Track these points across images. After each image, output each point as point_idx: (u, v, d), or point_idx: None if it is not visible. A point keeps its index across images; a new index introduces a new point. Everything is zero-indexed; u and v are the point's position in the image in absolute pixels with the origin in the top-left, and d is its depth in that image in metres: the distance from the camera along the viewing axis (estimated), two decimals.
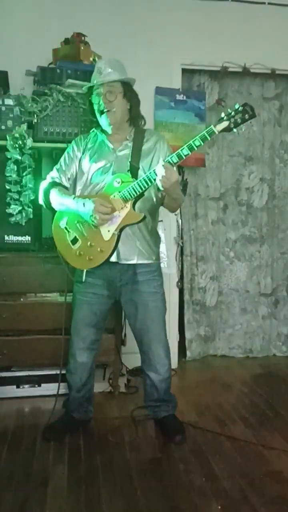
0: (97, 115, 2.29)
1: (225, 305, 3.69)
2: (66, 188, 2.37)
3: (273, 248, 3.71)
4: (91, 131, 2.42)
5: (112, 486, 2.03)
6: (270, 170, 3.65)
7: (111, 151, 2.31)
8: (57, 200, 2.31)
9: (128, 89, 2.28)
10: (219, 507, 1.89)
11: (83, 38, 2.87)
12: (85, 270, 2.31)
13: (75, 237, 2.27)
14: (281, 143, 3.65)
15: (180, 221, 3.43)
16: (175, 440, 2.37)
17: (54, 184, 2.37)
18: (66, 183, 2.38)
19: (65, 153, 2.41)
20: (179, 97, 3.28)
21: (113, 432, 2.47)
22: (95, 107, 2.28)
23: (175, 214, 3.38)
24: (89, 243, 2.23)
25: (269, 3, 3.38)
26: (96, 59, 2.89)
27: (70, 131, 2.77)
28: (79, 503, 1.93)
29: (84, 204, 2.18)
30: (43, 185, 2.40)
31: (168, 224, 3.28)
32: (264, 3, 3.38)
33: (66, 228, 2.29)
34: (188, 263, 3.58)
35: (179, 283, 3.47)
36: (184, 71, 3.36)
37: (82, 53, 2.82)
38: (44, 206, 2.41)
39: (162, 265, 3.08)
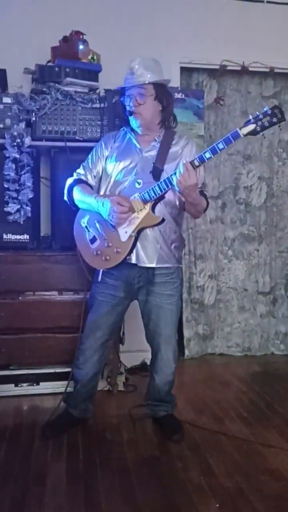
0: (127, 115, 2.26)
1: (224, 304, 3.70)
2: (91, 186, 2.35)
3: (271, 246, 3.71)
4: (121, 129, 2.40)
5: (110, 483, 2.03)
6: (269, 169, 3.65)
7: (137, 151, 2.28)
8: (80, 198, 2.30)
9: (160, 90, 2.23)
10: (217, 504, 1.90)
11: (81, 36, 2.87)
12: (101, 270, 2.30)
13: (94, 236, 2.28)
14: (279, 141, 3.65)
15: None
16: (173, 439, 2.38)
17: (79, 181, 2.35)
18: (91, 181, 2.36)
19: (93, 150, 2.39)
20: (178, 95, 3.27)
21: (111, 430, 2.47)
22: (126, 108, 2.25)
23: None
24: (106, 243, 2.23)
25: (267, 2, 3.39)
26: (95, 57, 2.89)
27: (69, 130, 2.77)
28: (78, 500, 1.93)
29: (103, 203, 2.18)
30: (69, 181, 2.38)
31: None
32: (263, 1, 3.39)
33: (86, 227, 2.30)
34: (186, 261, 3.58)
35: None
36: (182, 69, 3.36)
37: (80, 51, 2.81)
38: (67, 202, 2.39)
39: None
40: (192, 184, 2.05)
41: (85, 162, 2.40)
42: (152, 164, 2.23)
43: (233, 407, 2.76)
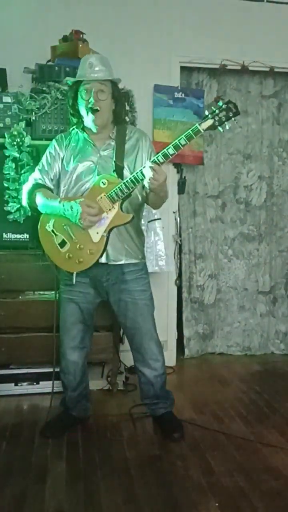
0: (83, 112, 2.24)
1: (224, 303, 3.70)
2: (50, 189, 2.34)
3: (271, 246, 3.71)
4: (71, 129, 2.38)
5: (110, 482, 2.04)
6: (269, 168, 3.65)
7: (94, 151, 2.28)
8: (43, 202, 2.27)
9: (116, 89, 2.26)
10: (217, 503, 1.90)
11: (81, 35, 2.87)
12: (75, 273, 2.28)
13: (63, 240, 2.24)
14: (279, 141, 3.65)
15: (178, 219, 3.43)
16: (173, 438, 2.38)
17: (37, 185, 2.33)
18: (49, 184, 2.34)
19: (47, 152, 2.37)
20: (178, 94, 3.27)
21: (111, 429, 2.47)
22: (82, 103, 2.23)
23: (174, 212, 3.38)
24: (78, 246, 2.21)
25: (267, 1, 3.39)
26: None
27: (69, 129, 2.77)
28: (78, 498, 1.93)
29: (71, 207, 2.16)
30: (27, 187, 2.37)
31: (166, 222, 3.28)
32: (263, 0, 3.38)
33: (53, 231, 2.26)
34: (186, 261, 3.58)
35: (178, 281, 3.48)
36: (182, 68, 3.36)
37: (80, 51, 2.81)
38: (28, 208, 2.40)
39: (160, 263, 3.12)
40: (162, 180, 2.08)
41: (40, 165, 2.38)
42: (113, 162, 2.24)
43: (233, 407, 2.76)
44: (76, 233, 2.22)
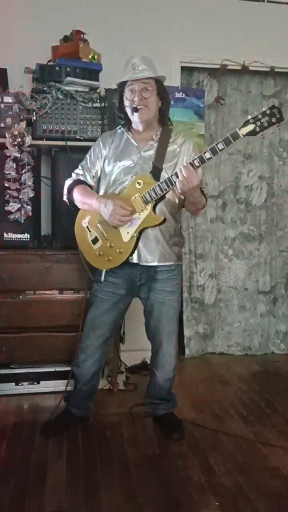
0: (129, 111, 2.25)
1: (224, 303, 3.70)
2: (90, 186, 2.35)
3: (271, 246, 3.72)
4: (117, 128, 2.40)
5: (111, 481, 2.04)
6: (269, 168, 3.66)
7: (136, 151, 2.29)
8: (80, 198, 2.30)
9: (161, 87, 2.26)
10: (217, 503, 1.90)
11: (82, 35, 2.87)
12: (104, 270, 2.31)
13: (96, 237, 2.28)
14: (280, 141, 3.66)
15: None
16: (173, 437, 2.38)
17: (78, 181, 2.35)
18: (91, 181, 2.36)
19: (91, 149, 2.39)
20: (178, 94, 3.28)
21: (112, 428, 2.48)
22: (127, 103, 2.24)
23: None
24: (109, 244, 2.24)
25: (268, 1, 3.39)
26: (95, 56, 2.89)
27: (69, 129, 2.78)
28: (78, 497, 1.93)
29: (105, 205, 2.18)
30: (68, 182, 2.38)
31: None
32: (263, 0, 3.39)
33: (87, 227, 2.29)
34: (187, 261, 3.59)
35: None
36: (183, 68, 3.37)
37: (81, 51, 2.81)
38: (68, 203, 2.39)
39: None
40: (194, 185, 2.07)
41: (83, 162, 2.40)
42: (152, 164, 2.24)
43: (233, 406, 2.77)
44: (108, 231, 2.24)
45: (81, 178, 2.37)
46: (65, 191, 2.39)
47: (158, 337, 2.42)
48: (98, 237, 2.28)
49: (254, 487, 2.01)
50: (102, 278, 2.33)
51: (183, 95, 3.29)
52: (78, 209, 2.36)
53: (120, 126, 2.39)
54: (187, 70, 3.42)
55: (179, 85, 3.32)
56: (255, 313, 3.72)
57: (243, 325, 3.71)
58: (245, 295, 3.71)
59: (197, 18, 3.30)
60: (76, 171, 2.40)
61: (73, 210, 2.38)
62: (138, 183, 2.20)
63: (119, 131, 2.38)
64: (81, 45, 2.82)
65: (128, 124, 2.33)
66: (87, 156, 2.39)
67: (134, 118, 2.25)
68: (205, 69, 3.44)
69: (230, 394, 2.96)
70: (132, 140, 2.31)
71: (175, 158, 2.26)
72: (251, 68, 3.38)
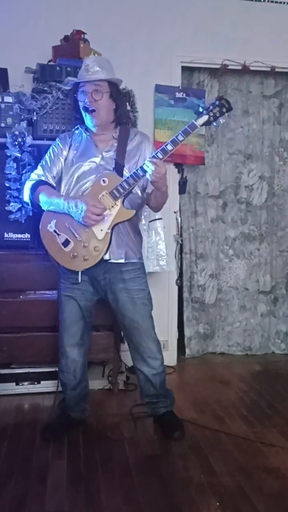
0: (82, 113, 2.28)
1: (224, 303, 3.70)
2: (52, 186, 2.35)
3: (272, 246, 3.71)
4: (74, 129, 2.41)
5: (111, 481, 2.04)
6: (270, 168, 3.65)
7: (97, 152, 2.30)
8: (46, 199, 2.28)
9: (114, 89, 2.28)
10: (217, 503, 1.90)
11: (82, 35, 2.87)
12: (80, 272, 2.28)
13: (66, 239, 2.25)
14: (280, 141, 3.65)
15: (179, 219, 3.43)
16: (174, 437, 2.38)
17: (40, 182, 2.34)
18: (52, 181, 2.36)
19: (50, 150, 2.39)
20: (179, 94, 3.28)
21: (112, 428, 2.48)
22: (80, 104, 2.27)
23: (175, 212, 3.38)
24: (82, 244, 2.22)
25: (268, 1, 3.38)
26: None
27: (70, 129, 2.76)
28: (78, 498, 1.93)
29: (76, 205, 2.18)
30: (29, 183, 2.38)
31: (167, 222, 3.28)
32: (264, 0, 3.38)
33: (55, 231, 2.27)
34: (187, 261, 3.59)
35: (178, 281, 3.48)
36: (183, 68, 3.36)
37: (81, 51, 2.81)
38: (29, 205, 2.40)
39: (161, 262, 3.12)
40: (163, 173, 2.15)
41: (43, 163, 2.39)
42: (114, 161, 2.27)
43: (233, 406, 2.77)
44: (79, 232, 2.23)
45: (43, 178, 2.35)
46: (27, 192, 2.38)
47: (136, 336, 2.41)
48: (69, 239, 2.24)
49: (254, 487, 2.00)
50: (80, 279, 2.29)
51: (184, 95, 3.29)
52: (40, 210, 2.34)
53: (77, 126, 2.39)
54: (187, 70, 3.42)
55: (180, 85, 3.32)
56: (256, 313, 3.72)
57: (244, 325, 3.71)
58: (245, 295, 3.70)
59: (197, 18, 3.29)
60: (36, 171, 2.39)
61: (36, 212, 2.37)
62: (103, 180, 2.21)
63: (76, 132, 2.38)
64: (82, 45, 2.82)
65: (84, 124, 2.34)
66: (46, 157, 2.38)
67: (87, 119, 2.27)
68: (205, 69, 3.44)
69: (231, 394, 2.96)
70: (92, 141, 2.32)
71: (136, 156, 2.31)
72: (251, 68, 3.37)
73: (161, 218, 3.11)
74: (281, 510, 1.88)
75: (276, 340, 3.76)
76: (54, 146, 2.39)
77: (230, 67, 3.35)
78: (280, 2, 3.39)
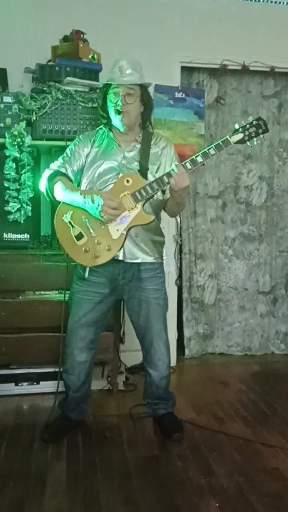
0: (112, 113, 2.27)
1: (224, 303, 3.70)
2: (70, 179, 2.32)
3: (271, 246, 3.71)
4: (98, 128, 2.40)
5: (110, 483, 2.04)
6: (269, 168, 3.65)
7: (119, 151, 2.29)
8: (62, 191, 2.24)
9: (145, 93, 2.28)
10: (217, 504, 1.90)
11: (82, 35, 2.87)
12: (88, 268, 2.27)
13: (80, 232, 2.21)
14: (280, 141, 3.65)
15: (179, 219, 3.43)
16: (173, 438, 2.37)
17: (59, 173, 2.32)
18: (70, 174, 2.33)
19: (72, 145, 2.37)
20: (178, 94, 3.27)
21: (111, 429, 2.47)
22: (110, 105, 2.26)
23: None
24: (96, 240, 2.20)
25: (268, 1, 3.38)
26: (95, 56, 2.89)
27: (69, 129, 2.77)
28: (77, 499, 1.93)
29: (93, 199, 2.14)
30: (47, 172, 2.34)
31: (166, 222, 3.26)
32: (263, 0, 3.38)
33: (70, 223, 2.22)
34: (186, 261, 3.58)
35: (178, 281, 3.47)
36: (183, 68, 3.36)
37: (81, 51, 2.81)
38: (45, 194, 2.35)
39: None
40: (186, 185, 2.11)
41: (64, 155, 2.36)
42: (136, 164, 2.26)
43: (233, 407, 2.76)
44: (95, 228, 2.20)
45: (62, 170, 2.33)
46: (44, 180, 2.34)
47: (148, 336, 2.40)
48: (83, 233, 2.20)
49: (254, 488, 2.00)
50: (86, 275, 2.29)
51: (183, 95, 3.29)
52: (55, 201, 2.30)
53: (101, 126, 2.38)
54: (187, 70, 3.42)
55: (179, 85, 3.31)
56: (255, 313, 3.72)
57: (243, 325, 3.71)
58: (245, 295, 3.70)
59: (197, 18, 3.29)
60: (55, 163, 2.36)
61: (52, 201, 2.32)
62: (127, 180, 2.18)
63: (100, 131, 2.38)
64: (81, 45, 2.82)
65: (109, 124, 2.33)
66: (68, 151, 2.36)
67: (116, 119, 2.26)
68: (205, 69, 3.44)
69: (230, 394, 2.96)
70: (115, 141, 2.31)
71: (158, 161, 2.30)
72: (251, 68, 3.37)
73: (160, 218, 3.11)
74: (280, 511, 1.88)
75: (275, 340, 3.76)
76: (76, 141, 2.37)
77: (229, 67, 3.35)
78: (280, 3, 3.39)
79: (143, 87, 2.27)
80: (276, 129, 3.63)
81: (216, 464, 2.17)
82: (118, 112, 2.22)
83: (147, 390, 2.52)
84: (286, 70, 3.48)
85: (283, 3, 3.39)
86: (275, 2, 3.39)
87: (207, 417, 2.63)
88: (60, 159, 2.37)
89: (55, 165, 2.35)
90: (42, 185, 2.36)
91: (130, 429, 2.48)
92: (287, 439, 2.40)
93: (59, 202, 2.26)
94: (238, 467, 2.16)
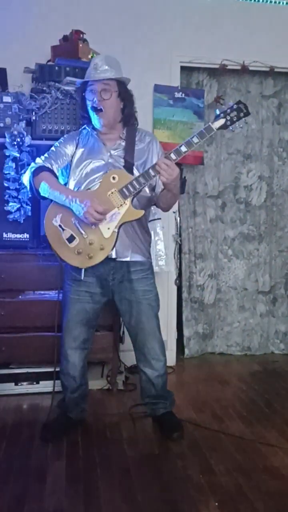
0: (90, 112, 2.27)
1: (223, 303, 3.70)
2: (55, 176, 2.31)
3: (271, 246, 3.71)
4: (81, 129, 2.40)
5: (110, 481, 2.04)
6: (269, 168, 3.66)
7: (105, 150, 2.29)
8: (47, 188, 2.23)
9: (123, 88, 2.27)
10: (216, 503, 1.90)
11: (81, 35, 2.87)
12: (83, 269, 2.27)
13: (72, 235, 2.22)
14: (279, 141, 3.65)
15: (178, 219, 3.43)
16: (173, 437, 2.37)
17: (44, 168, 2.30)
18: (55, 170, 2.32)
19: (56, 144, 2.37)
20: (178, 94, 3.28)
21: (111, 428, 2.47)
22: (88, 103, 2.26)
23: (174, 212, 3.38)
24: (88, 241, 2.20)
25: (267, 1, 3.38)
26: (95, 56, 2.89)
27: (69, 129, 2.77)
28: (77, 498, 1.93)
29: (79, 201, 2.13)
30: (32, 166, 2.32)
31: (166, 222, 3.28)
32: (263, 0, 3.38)
33: (60, 226, 2.23)
34: (186, 261, 3.59)
35: (177, 281, 3.48)
36: (183, 68, 3.37)
37: (80, 50, 2.81)
38: (28, 188, 2.35)
39: (160, 262, 3.12)
40: (175, 176, 2.11)
41: (49, 152, 2.35)
42: (123, 160, 2.25)
43: (233, 406, 2.77)
44: (85, 229, 2.20)
45: (47, 164, 2.31)
46: (28, 174, 2.33)
47: (140, 336, 2.40)
48: (75, 235, 2.21)
49: (253, 487, 2.00)
50: (82, 276, 2.28)
51: (183, 95, 3.29)
52: (38, 195, 2.30)
53: (84, 126, 2.38)
54: (186, 70, 3.42)
55: (179, 85, 3.32)
56: (255, 313, 3.72)
57: (243, 325, 3.71)
58: (244, 295, 3.71)
59: (196, 18, 3.30)
60: (41, 158, 2.34)
61: (37, 197, 2.32)
62: (113, 177, 2.18)
63: (84, 131, 2.37)
64: (81, 45, 2.82)
65: (92, 123, 2.32)
66: (53, 148, 2.36)
67: (95, 118, 2.26)
68: (204, 69, 3.44)
69: (230, 394, 2.96)
70: (99, 140, 2.31)
71: (144, 156, 2.29)
72: (250, 68, 3.38)
73: (160, 218, 3.12)
74: (280, 510, 1.88)
75: (275, 340, 3.76)
76: (61, 140, 2.37)
77: (229, 67, 3.36)
78: (279, 3, 3.40)
79: (120, 83, 2.26)
80: (276, 128, 3.63)
81: (215, 463, 2.18)
82: (95, 110, 2.22)
83: (144, 390, 2.51)
84: (285, 70, 3.49)
85: (283, 3, 3.40)
86: (275, 2, 3.40)
87: (206, 416, 2.63)
88: (45, 154, 2.36)
89: (40, 160, 2.35)
90: (26, 179, 2.36)
91: (129, 428, 2.49)
92: (286, 438, 2.40)
93: (42, 197, 2.28)
94: (237, 465, 2.16)
